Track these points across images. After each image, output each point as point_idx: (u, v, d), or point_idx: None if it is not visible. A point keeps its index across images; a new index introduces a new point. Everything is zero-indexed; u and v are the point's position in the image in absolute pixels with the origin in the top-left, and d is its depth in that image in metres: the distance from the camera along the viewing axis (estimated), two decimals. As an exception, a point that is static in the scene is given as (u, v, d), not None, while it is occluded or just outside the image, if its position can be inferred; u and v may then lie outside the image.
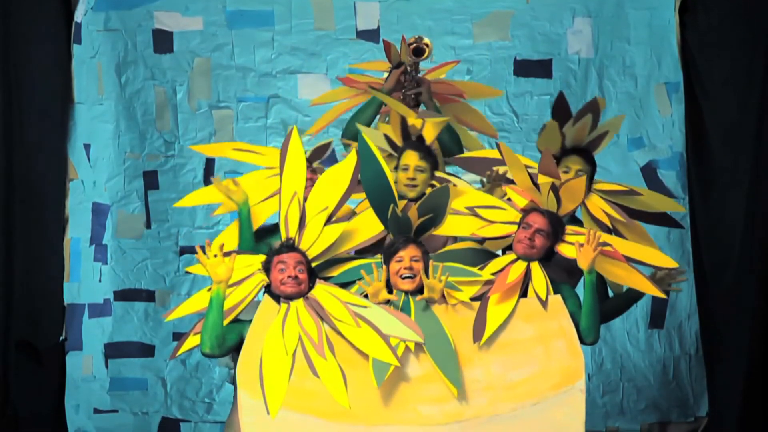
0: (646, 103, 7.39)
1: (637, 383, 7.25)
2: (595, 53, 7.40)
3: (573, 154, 5.73)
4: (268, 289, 5.19)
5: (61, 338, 6.76)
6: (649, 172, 7.30)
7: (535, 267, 5.23)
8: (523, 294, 5.18)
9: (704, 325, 6.68)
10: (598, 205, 5.63)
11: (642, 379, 7.23)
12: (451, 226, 5.42)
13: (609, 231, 5.57)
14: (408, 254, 5.15)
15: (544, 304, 5.15)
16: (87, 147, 7.20)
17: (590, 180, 5.70)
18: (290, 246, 5.24)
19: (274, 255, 5.20)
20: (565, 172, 5.68)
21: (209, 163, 7.39)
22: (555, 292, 5.21)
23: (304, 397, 4.94)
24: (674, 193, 7.17)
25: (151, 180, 7.32)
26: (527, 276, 5.20)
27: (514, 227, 5.31)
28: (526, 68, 7.44)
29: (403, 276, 5.14)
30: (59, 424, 6.64)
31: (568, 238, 5.27)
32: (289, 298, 5.15)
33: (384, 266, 5.20)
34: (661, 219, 5.80)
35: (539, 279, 5.19)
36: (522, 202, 5.38)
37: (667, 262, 5.35)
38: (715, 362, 6.53)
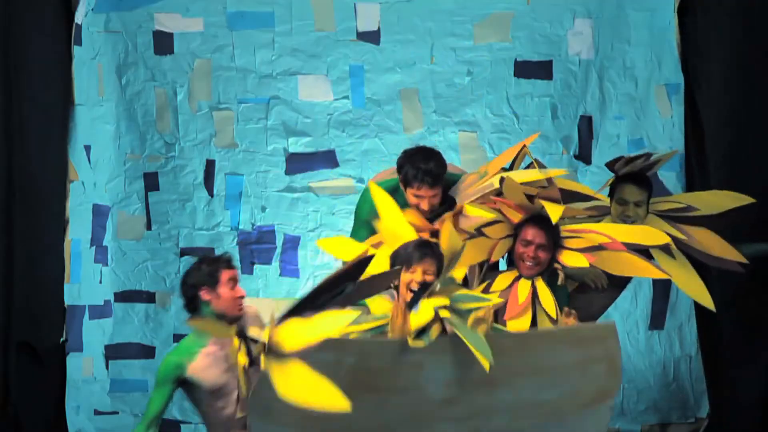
0: (647, 104, 7.38)
1: (638, 384, 7.24)
2: (596, 54, 7.40)
3: (627, 182, 5.69)
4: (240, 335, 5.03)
5: (61, 340, 6.75)
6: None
7: (540, 284, 5.22)
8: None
9: (704, 326, 6.67)
10: (660, 227, 5.59)
11: (642, 380, 7.22)
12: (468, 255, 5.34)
13: (670, 253, 5.54)
14: (422, 267, 5.00)
15: (554, 321, 5.14)
16: (87, 148, 7.20)
17: (647, 203, 5.69)
18: (230, 261, 5.16)
19: (223, 269, 5.10)
20: (621, 204, 5.66)
21: (209, 165, 7.39)
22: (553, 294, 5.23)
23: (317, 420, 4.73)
24: (674, 195, 7.18)
25: (151, 181, 7.32)
26: (534, 292, 5.20)
27: (511, 239, 5.29)
28: (526, 69, 7.44)
29: (413, 289, 4.99)
30: (60, 426, 6.64)
31: (567, 243, 5.24)
32: (236, 320, 5.07)
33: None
34: (730, 217, 5.73)
35: (546, 297, 5.18)
36: (516, 216, 5.33)
37: (662, 238, 5.32)
38: (716, 363, 6.52)
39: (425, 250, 5.03)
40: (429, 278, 4.99)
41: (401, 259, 5.04)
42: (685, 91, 7.20)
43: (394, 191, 5.59)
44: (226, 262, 5.16)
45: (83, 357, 7.00)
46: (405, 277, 5.01)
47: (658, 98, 7.38)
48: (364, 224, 5.64)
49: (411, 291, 4.98)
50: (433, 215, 5.54)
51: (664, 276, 5.26)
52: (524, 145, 5.76)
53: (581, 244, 5.21)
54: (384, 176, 5.73)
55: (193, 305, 5.14)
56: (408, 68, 7.44)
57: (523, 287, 5.19)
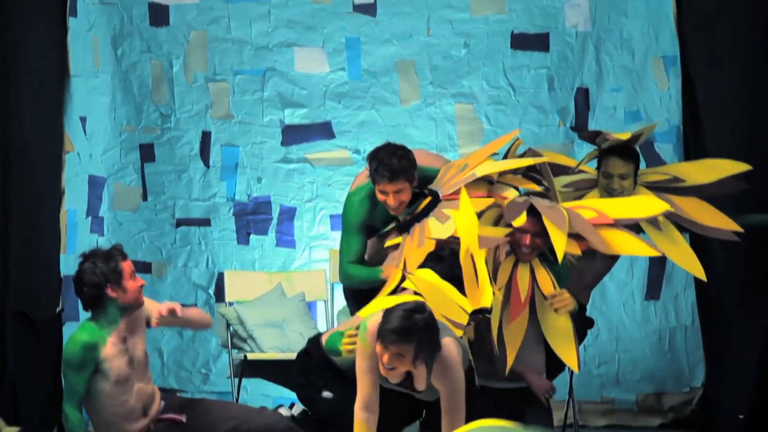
0: (644, 76, 7.37)
1: (633, 354, 7.25)
2: (593, 27, 7.39)
3: (612, 155, 5.66)
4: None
5: (57, 310, 6.75)
6: (646, 145, 7.27)
7: (537, 264, 5.22)
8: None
9: (700, 296, 6.67)
10: None
11: (638, 350, 7.22)
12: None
13: (658, 225, 5.51)
14: (392, 351, 4.71)
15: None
16: (83, 120, 7.19)
17: (634, 175, 5.66)
18: (123, 251, 5.09)
19: (121, 261, 5.01)
20: (606, 177, 5.64)
21: (205, 136, 7.39)
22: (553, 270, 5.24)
23: None
24: (669, 166, 7.18)
25: (147, 152, 7.31)
26: (533, 277, 5.21)
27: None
28: (523, 42, 7.42)
29: (387, 367, 4.75)
30: (57, 395, 6.62)
31: None
32: (139, 307, 5.07)
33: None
34: (726, 185, 5.70)
35: (543, 276, 5.18)
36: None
37: (661, 206, 5.31)
38: (711, 333, 6.52)
39: (397, 336, 4.67)
40: (399, 365, 4.71)
41: (380, 331, 4.73)
42: (682, 64, 7.18)
43: (373, 194, 5.60)
44: (121, 253, 5.07)
45: (79, 326, 7.01)
46: (379, 349, 4.74)
47: (655, 70, 7.37)
48: (355, 230, 5.66)
49: (386, 368, 4.74)
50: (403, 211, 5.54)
51: (656, 254, 5.25)
52: (517, 136, 5.72)
53: (574, 229, 5.21)
54: (362, 179, 5.72)
55: (95, 303, 5.05)
56: (404, 40, 7.42)
57: (523, 275, 5.20)
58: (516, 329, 5.18)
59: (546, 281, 5.19)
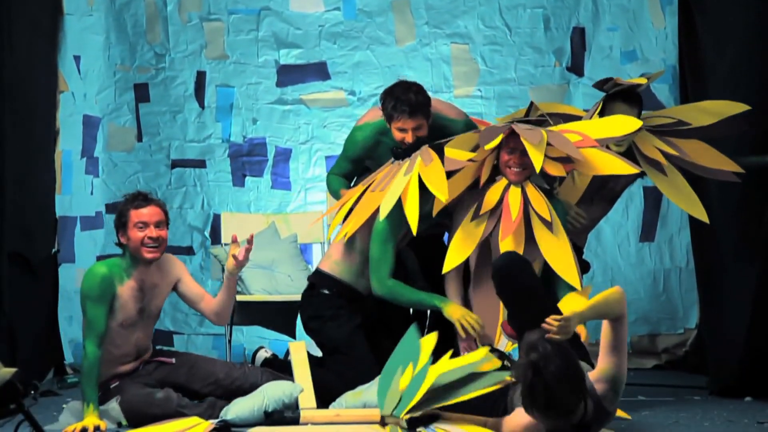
0: (640, 15, 7.35)
1: (628, 296, 7.16)
2: (589, -35, 7.37)
3: (617, 101, 5.63)
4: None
5: (53, 250, 6.74)
6: (642, 86, 7.29)
7: (530, 189, 5.21)
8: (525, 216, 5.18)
9: (695, 238, 6.68)
10: (650, 143, 5.55)
11: (632, 291, 7.26)
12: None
13: (662, 170, 5.51)
14: None
15: (549, 225, 5.14)
16: (77, 59, 7.15)
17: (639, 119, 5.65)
18: (145, 199, 5.03)
19: (131, 209, 4.99)
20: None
21: (200, 76, 7.35)
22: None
23: None
24: (666, 107, 7.15)
25: (142, 93, 7.28)
26: (525, 199, 5.19)
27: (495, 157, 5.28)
28: (519, -20, 7.40)
29: None
30: (53, 336, 6.66)
31: (547, 151, 5.20)
32: (148, 263, 5.03)
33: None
34: (725, 127, 5.67)
35: (538, 201, 5.17)
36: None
37: (635, 124, 5.31)
38: (706, 275, 6.53)
39: None
40: None
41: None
42: (679, 2, 7.14)
43: (382, 133, 5.56)
44: (141, 200, 5.05)
45: (75, 268, 7.02)
46: None
47: (651, 9, 7.34)
48: (348, 159, 5.66)
49: None
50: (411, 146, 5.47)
51: (636, 170, 5.24)
52: (532, 102, 5.69)
53: (558, 153, 5.20)
54: (372, 116, 5.67)
55: (119, 242, 5.10)
56: (399, -22, 7.40)
57: (514, 196, 5.19)
58: (509, 246, 5.18)
59: (541, 205, 5.18)
